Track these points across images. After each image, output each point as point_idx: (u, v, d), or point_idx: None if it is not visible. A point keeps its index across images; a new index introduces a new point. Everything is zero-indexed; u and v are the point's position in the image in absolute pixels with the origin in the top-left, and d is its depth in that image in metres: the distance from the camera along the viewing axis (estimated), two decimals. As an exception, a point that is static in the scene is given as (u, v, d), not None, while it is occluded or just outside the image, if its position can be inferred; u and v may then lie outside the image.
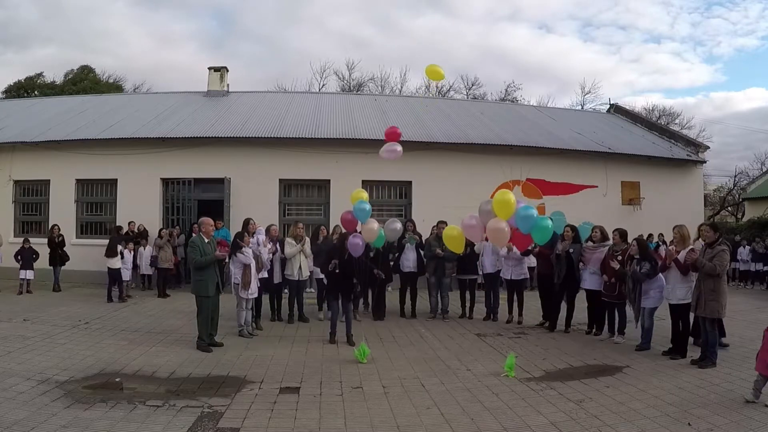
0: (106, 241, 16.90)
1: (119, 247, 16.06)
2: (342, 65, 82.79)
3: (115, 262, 15.85)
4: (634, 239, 10.83)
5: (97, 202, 20.58)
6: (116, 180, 20.02)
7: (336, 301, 11.02)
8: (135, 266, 17.27)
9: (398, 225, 12.58)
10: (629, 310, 11.06)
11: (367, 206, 11.31)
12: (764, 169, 40.53)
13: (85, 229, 20.46)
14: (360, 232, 11.07)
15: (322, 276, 12.59)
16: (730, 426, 6.47)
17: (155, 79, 76.52)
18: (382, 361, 9.48)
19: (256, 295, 11.56)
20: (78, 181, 20.35)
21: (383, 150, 12.19)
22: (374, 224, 11.17)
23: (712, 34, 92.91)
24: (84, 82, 45.81)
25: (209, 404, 6.99)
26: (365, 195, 11.58)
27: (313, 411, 6.90)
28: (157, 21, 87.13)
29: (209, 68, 27.57)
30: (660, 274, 10.25)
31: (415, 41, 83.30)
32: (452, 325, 12.90)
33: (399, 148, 12.16)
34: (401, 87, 53.51)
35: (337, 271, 10.83)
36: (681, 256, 9.80)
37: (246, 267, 11.11)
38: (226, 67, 27.75)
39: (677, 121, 51.17)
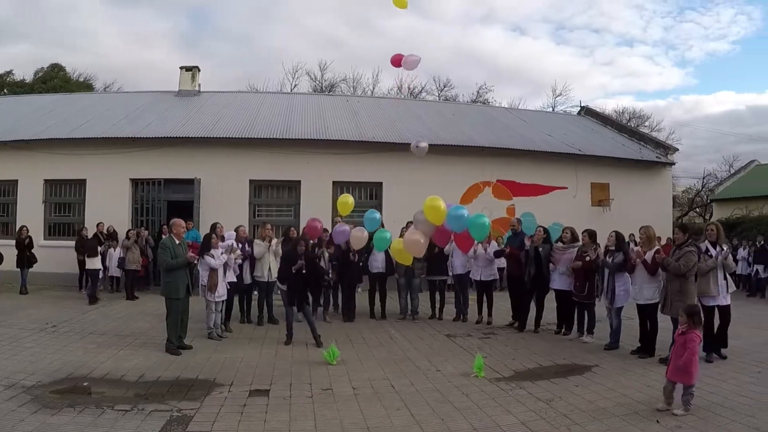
0: (74, 243, 16.85)
1: (99, 248, 15.96)
2: (314, 66, 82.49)
3: (96, 262, 15.79)
4: (612, 231, 10.94)
5: (65, 202, 20.34)
6: (85, 180, 19.81)
7: (292, 306, 11.01)
8: (104, 268, 17.09)
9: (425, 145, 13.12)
10: (600, 307, 11.19)
11: (377, 215, 11.37)
12: (732, 171, 41.06)
13: (53, 230, 20.18)
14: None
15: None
16: (697, 423, 6.55)
17: (126, 78, 75.63)
18: (352, 362, 9.46)
19: (224, 297, 11.48)
20: (46, 181, 20.06)
21: (404, 62, 12.20)
22: (364, 233, 11.22)
23: (684, 38, 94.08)
24: (54, 80, 45.19)
25: (178, 408, 6.93)
26: (351, 200, 11.65)
27: (283, 413, 6.88)
28: (130, 19, 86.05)
29: (181, 68, 27.44)
30: (627, 274, 10.40)
31: (389, 42, 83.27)
32: (422, 326, 12.94)
33: (418, 57, 12.23)
34: (373, 88, 53.58)
35: (304, 271, 10.81)
36: (648, 256, 9.94)
37: (212, 269, 11.06)
38: (197, 67, 27.65)
39: (647, 123, 51.78)
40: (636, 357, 9.84)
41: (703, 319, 7.86)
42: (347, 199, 11.86)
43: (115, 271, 17.45)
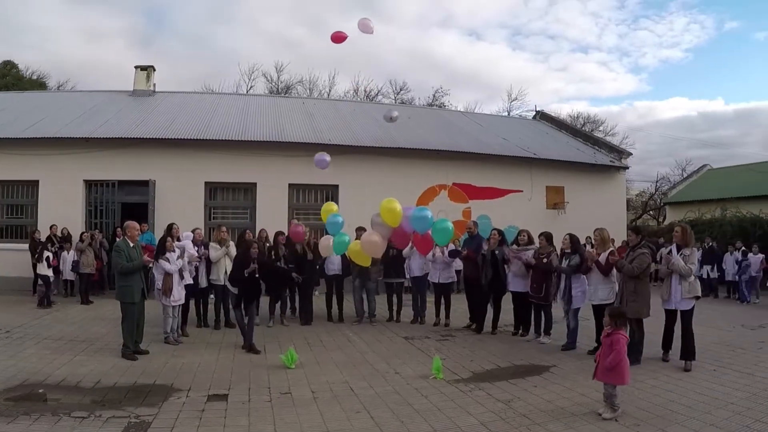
0: (26, 246, 16.52)
1: (45, 253, 15.65)
2: (270, 67, 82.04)
3: (42, 268, 15.43)
4: (567, 234, 11.09)
5: (17, 204, 19.87)
6: (37, 181, 19.36)
7: (238, 308, 10.85)
8: (57, 272, 16.74)
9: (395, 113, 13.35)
10: (557, 308, 11.31)
11: (340, 218, 11.33)
12: (685, 175, 41.94)
13: (5, 233, 19.69)
14: None
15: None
16: (656, 420, 6.71)
17: (80, 77, 74.09)
18: (311, 366, 9.43)
19: (181, 301, 11.29)
20: (-3, 182, 19.64)
21: (360, 23, 12.20)
22: (329, 241, 11.19)
23: (639, 45, 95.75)
24: (6, 78, 44.09)
25: (136, 414, 6.83)
26: (335, 207, 11.61)
27: (242, 418, 6.83)
28: (84, 16, 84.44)
29: (136, 67, 27.09)
30: (583, 276, 10.55)
31: (346, 44, 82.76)
32: (380, 329, 12.96)
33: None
34: (329, 90, 53.30)
35: (257, 275, 10.76)
36: (602, 258, 10.10)
37: (167, 273, 10.89)
38: (152, 66, 27.38)
39: (601, 128, 52.42)
40: (593, 357, 9.95)
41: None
42: (331, 207, 11.84)
43: (69, 274, 17.09)
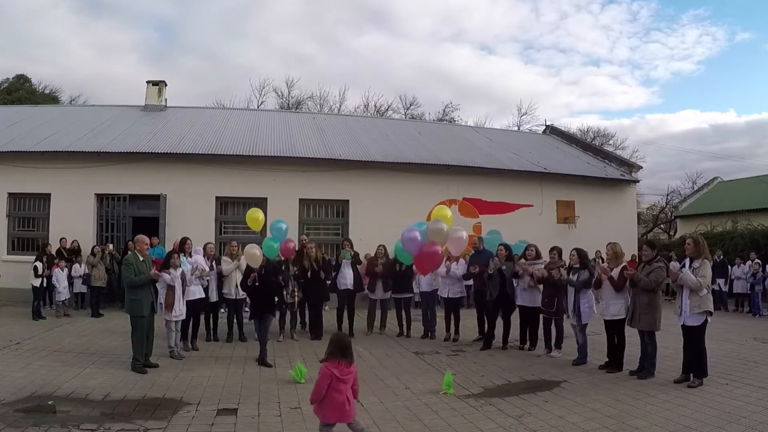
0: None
1: (36, 264, 15.77)
2: (281, 83, 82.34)
3: (31, 278, 15.66)
4: (574, 249, 11.05)
5: (29, 217, 19.98)
6: (49, 195, 19.46)
7: (256, 318, 10.86)
8: (69, 284, 16.75)
9: None
10: (568, 322, 11.25)
11: (284, 225, 11.33)
12: (695, 188, 41.83)
13: (16, 245, 19.82)
14: None
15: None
16: (667, 436, 6.63)
17: (92, 91, 74.59)
18: (321, 380, 9.37)
19: (183, 317, 11.13)
20: (10, 194, 19.66)
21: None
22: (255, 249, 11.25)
23: (650, 58, 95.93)
24: (19, 91, 44.35)
25: (145, 427, 6.81)
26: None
27: (252, 432, 6.81)
28: (97, 30, 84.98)
29: (147, 82, 27.24)
30: (590, 291, 10.51)
31: (356, 60, 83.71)
32: (390, 344, 12.92)
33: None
34: (340, 106, 53.41)
35: (257, 284, 10.77)
36: (614, 272, 10.02)
37: (170, 288, 10.79)
38: (164, 81, 27.55)
39: (611, 141, 52.51)
40: (604, 372, 9.95)
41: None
42: (257, 215, 11.79)
43: (80, 287, 17.14)
